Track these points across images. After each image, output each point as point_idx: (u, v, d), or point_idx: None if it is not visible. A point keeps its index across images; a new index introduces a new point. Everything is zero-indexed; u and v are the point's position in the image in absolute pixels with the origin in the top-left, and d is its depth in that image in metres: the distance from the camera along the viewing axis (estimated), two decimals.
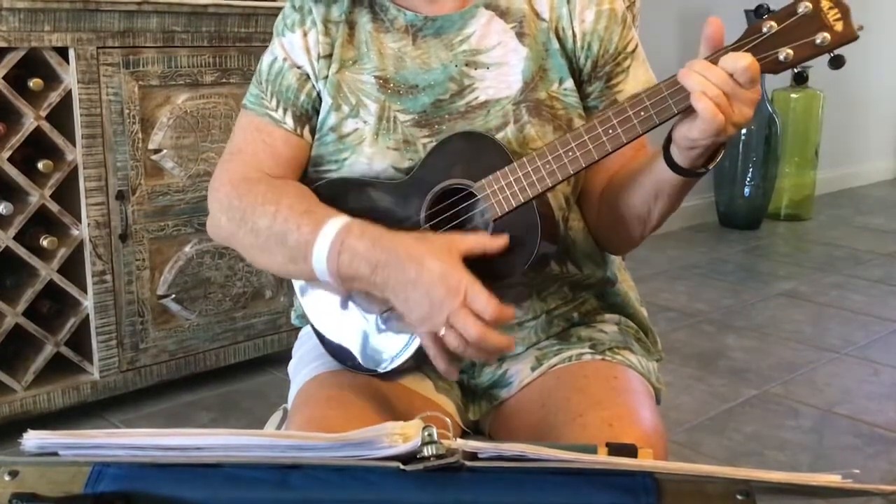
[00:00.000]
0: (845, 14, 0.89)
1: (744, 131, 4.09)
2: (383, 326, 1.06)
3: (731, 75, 0.88)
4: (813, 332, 2.89)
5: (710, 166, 0.97)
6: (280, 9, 1.14)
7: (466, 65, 1.08)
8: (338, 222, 0.99)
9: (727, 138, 0.92)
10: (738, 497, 0.66)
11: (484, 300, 0.91)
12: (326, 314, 1.12)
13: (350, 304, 1.09)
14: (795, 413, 2.30)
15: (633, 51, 1.11)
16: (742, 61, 0.88)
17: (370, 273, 0.96)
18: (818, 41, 0.89)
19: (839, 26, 0.89)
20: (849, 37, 0.89)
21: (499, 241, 0.98)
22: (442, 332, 0.93)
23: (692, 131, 0.91)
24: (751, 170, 4.18)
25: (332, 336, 1.11)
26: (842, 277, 3.51)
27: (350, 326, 1.09)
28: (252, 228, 1.04)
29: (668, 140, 0.97)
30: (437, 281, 0.92)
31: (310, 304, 1.14)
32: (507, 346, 0.94)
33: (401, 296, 0.95)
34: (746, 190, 4.22)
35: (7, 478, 0.68)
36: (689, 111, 0.92)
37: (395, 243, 0.96)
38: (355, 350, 1.09)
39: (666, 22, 3.87)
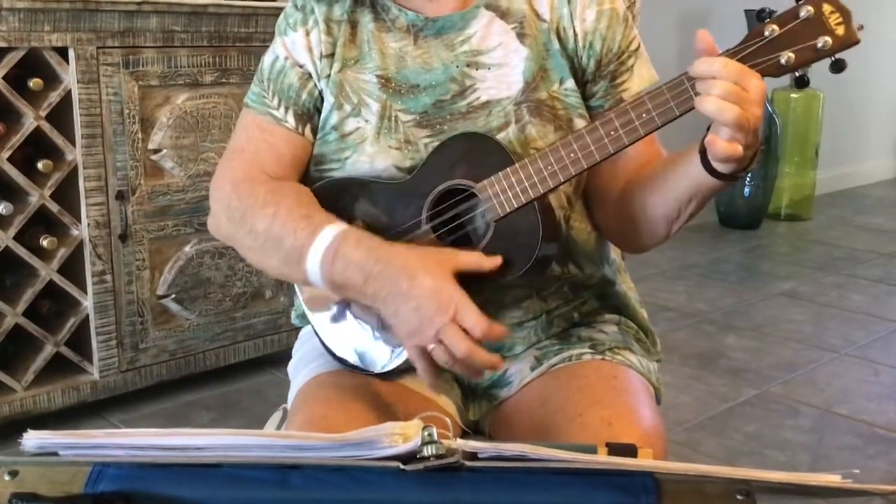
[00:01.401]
0: (847, 19, 0.89)
1: None
2: (379, 333, 1.06)
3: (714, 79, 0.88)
4: (813, 332, 2.89)
5: (752, 166, 0.96)
6: (280, 9, 1.15)
7: (467, 65, 1.08)
8: (334, 229, 0.99)
9: (755, 135, 0.90)
10: (738, 497, 0.66)
11: (474, 317, 0.91)
12: (326, 311, 1.12)
13: (350, 301, 1.09)
14: (795, 413, 2.30)
15: (637, 49, 1.11)
16: (714, 65, 0.87)
17: (362, 283, 0.96)
18: (819, 45, 0.90)
19: (840, 30, 0.89)
20: (850, 41, 0.90)
21: (493, 261, 0.98)
22: (431, 347, 0.93)
23: (722, 134, 0.90)
24: None
25: (332, 335, 1.11)
26: (842, 277, 3.51)
27: (350, 325, 1.09)
28: (250, 230, 1.04)
29: (704, 147, 0.96)
30: (428, 295, 0.93)
31: (310, 302, 1.14)
32: (495, 364, 0.94)
33: (391, 308, 0.95)
34: (746, 190, 4.22)
35: (7, 478, 0.68)
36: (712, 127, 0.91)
37: (390, 255, 0.96)
38: (355, 349, 1.09)
39: (666, 22, 3.87)
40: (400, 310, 0.94)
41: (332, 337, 1.11)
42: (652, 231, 1.08)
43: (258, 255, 1.06)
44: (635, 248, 1.16)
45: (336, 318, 1.10)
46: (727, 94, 0.87)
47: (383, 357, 1.07)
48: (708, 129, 0.93)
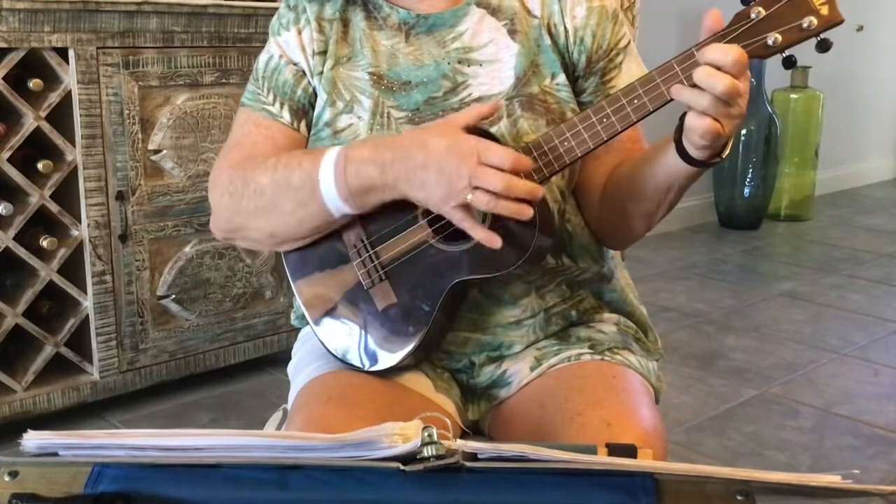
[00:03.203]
0: None
1: (743, 131, 4.10)
2: (383, 321, 1.06)
3: (719, 69, 0.89)
4: (813, 333, 2.89)
5: (724, 155, 0.97)
6: (278, 10, 1.16)
7: (459, 62, 1.09)
8: (336, 147, 1.01)
9: (732, 132, 0.93)
10: (738, 497, 0.66)
11: (499, 152, 0.92)
12: (325, 311, 1.12)
13: (349, 299, 1.09)
14: (795, 413, 2.30)
15: (626, 46, 1.12)
16: (731, 55, 0.88)
17: (380, 174, 0.97)
18: (805, 25, 0.91)
19: (825, 10, 0.91)
20: (834, 20, 0.91)
21: (492, 106, 0.99)
22: (469, 197, 0.93)
23: (695, 138, 0.92)
24: (751, 170, 4.18)
25: (331, 333, 1.11)
26: (841, 278, 3.51)
27: (349, 323, 1.09)
28: (255, 190, 1.04)
29: (680, 133, 0.97)
30: (446, 154, 0.93)
31: (308, 303, 1.14)
32: (534, 190, 0.93)
33: (415, 183, 0.95)
34: (746, 190, 4.22)
35: (7, 478, 0.68)
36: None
37: (396, 139, 0.98)
38: (354, 347, 1.09)
39: (666, 22, 3.87)
40: (426, 180, 0.95)
41: (330, 336, 1.11)
42: (631, 225, 1.09)
43: (266, 213, 1.05)
44: (618, 242, 1.17)
45: (335, 314, 1.11)
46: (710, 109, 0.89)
47: (383, 355, 1.08)
48: (682, 117, 0.95)
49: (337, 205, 1.00)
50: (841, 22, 0.91)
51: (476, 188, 0.92)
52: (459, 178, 0.92)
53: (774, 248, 4.05)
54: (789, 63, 0.95)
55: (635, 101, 0.95)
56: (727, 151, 0.96)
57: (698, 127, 0.90)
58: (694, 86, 0.90)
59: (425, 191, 0.95)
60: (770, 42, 0.91)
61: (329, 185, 0.99)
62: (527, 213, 0.93)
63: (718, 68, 0.88)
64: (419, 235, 1.02)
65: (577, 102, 1.11)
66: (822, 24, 0.91)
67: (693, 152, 0.95)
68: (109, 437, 0.70)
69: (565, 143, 0.98)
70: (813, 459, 2.06)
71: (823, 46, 0.92)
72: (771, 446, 2.12)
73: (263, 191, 1.04)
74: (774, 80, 4.23)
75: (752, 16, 0.91)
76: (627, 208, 1.07)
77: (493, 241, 0.96)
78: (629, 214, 1.08)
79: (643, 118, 0.96)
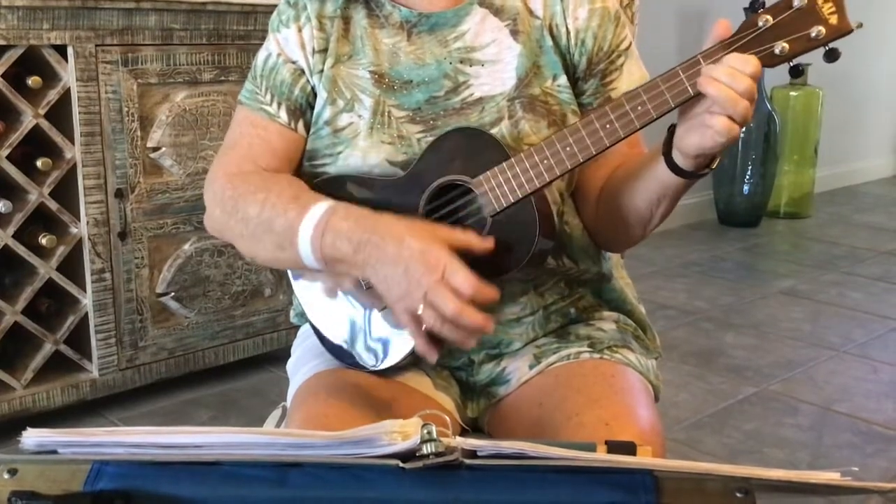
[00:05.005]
0: (840, 7, 0.90)
1: (743, 129, 4.09)
2: (383, 321, 1.06)
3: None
4: (812, 330, 2.89)
5: (714, 166, 0.97)
6: (278, 6, 1.15)
7: (461, 62, 1.09)
8: (323, 205, 0.99)
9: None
10: (738, 495, 0.66)
11: (462, 276, 0.90)
12: (325, 311, 1.12)
13: (348, 299, 1.09)
14: (794, 411, 2.30)
15: (627, 48, 1.12)
16: (750, 66, 0.88)
17: (352, 253, 0.95)
18: (813, 34, 0.90)
19: (834, 20, 0.90)
20: (843, 30, 0.90)
21: (485, 243, 0.97)
22: (420, 309, 0.92)
23: (705, 141, 0.91)
24: (750, 167, 4.18)
25: (331, 332, 1.11)
26: (841, 275, 3.51)
27: (349, 323, 1.09)
28: (242, 217, 1.04)
29: (669, 146, 0.96)
30: (416, 258, 0.92)
31: (308, 301, 1.15)
32: (484, 325, 0.91)
33: (379, 273, 0.94)
34: (746, 188, 4.22)
35: (6, 476, 0.68)
36: (687, 115, 0.92)
37: (379, 223, 0.96)
38: (354, 346, 1.09)
39: (666, 22, 3.87)
40: (388, 274, 0.94)
41: (330, 335, 1.11)
42: (627, 231, 1.09)
43: (250, 241, 1.05)
44: (612, 246, 1.17)
45: (335, 313, 1.11)
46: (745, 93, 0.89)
47: (383, 354, 1.08)
48: (670, 129, 0.95)
49: (310, 261, 0.99)
50: (850, 32, 0.90)
51: (429, 303, 0.91)
52: (418, 286, 0.91)
53: (774, 246, 4.05)
54: (796, 72, 0.95)
55: (639, 108, 0.94)
56: (716, 163, 0.96)
57: (715, 123, 0.89)
58: (698, 93, 0.90)
59: (385, 284, 0.94)
60: (777, 51, 0.91)
61: (306, 244, 0.98)
62: (468, 345, 0.92)
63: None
64: None
65: (577, 104, 1.10)
66: (831, 34, 0.90)
67: (682, 162, 0.95)
68: (109, 435, 0.70)
69: (567, 149, 0.97)
70: (812, 457, 2.06)
71: (832, 56, 0.92)
72: (770, 444, 2.12)
73: (249, 222, 1.04)
74: (774, 78, 4.23)
75: (760, 24, 0.91)
76: (623, 214, 1.07)
77: (430, 354, 0.95)
78: (625, 220, 1.07)
79: (646, 125, 0.96)
